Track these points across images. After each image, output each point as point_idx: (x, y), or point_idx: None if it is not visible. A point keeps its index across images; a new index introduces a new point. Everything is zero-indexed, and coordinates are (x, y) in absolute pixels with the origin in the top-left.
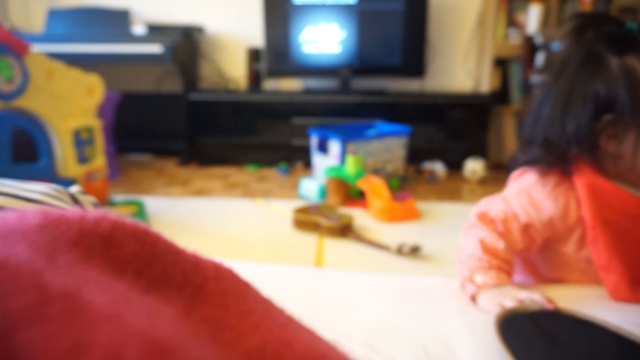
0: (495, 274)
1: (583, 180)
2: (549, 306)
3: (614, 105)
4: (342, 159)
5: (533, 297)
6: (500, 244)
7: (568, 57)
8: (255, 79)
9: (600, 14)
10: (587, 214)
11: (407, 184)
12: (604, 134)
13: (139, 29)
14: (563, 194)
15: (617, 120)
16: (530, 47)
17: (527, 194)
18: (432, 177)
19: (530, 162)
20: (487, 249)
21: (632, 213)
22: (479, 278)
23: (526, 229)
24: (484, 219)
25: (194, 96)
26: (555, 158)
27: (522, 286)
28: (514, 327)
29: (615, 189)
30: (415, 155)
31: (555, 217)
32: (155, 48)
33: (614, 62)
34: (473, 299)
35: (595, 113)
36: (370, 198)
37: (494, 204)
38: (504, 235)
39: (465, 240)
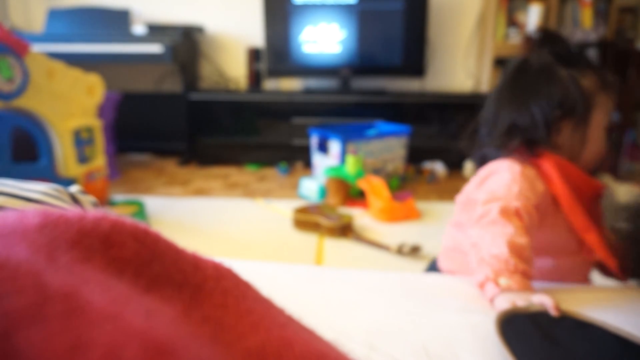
0: (519, 279)
1: (551, 161)
2: (555, 312)
3: (563, 105)
4: (342, 159)
5: (544, 301)
6: (525, 240)
7: (527, 65)
8: (255, 79)
9: (554, 34)
10: (562, 188)
11: (407, 183)
12: (555, 127)
13: (139, 29)
14: (538, 175)
15: (565, 117)
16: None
17: (521, 179)
18: (432, 177)
19: (501, 150)
20: (514, 250)
21: (583, 188)
22: (503, 281)
23: (535, 213)
24: (507, 213)
25: (194, 96)
26: (520, 145)
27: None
28: (515, 327)
29: (573, 167)
30: (416, 155)
31: (543, 196)
32: (155, 48)
33: (563, 73)
34: (491, 300)
35: (547, 110)
36: (370, 198)
37: (504, 196)
38: (530, 228)
39: (485, 237)
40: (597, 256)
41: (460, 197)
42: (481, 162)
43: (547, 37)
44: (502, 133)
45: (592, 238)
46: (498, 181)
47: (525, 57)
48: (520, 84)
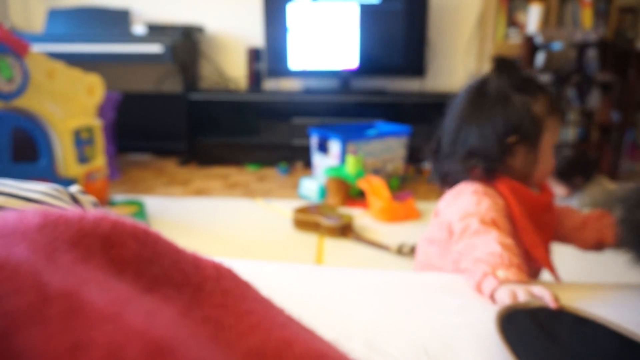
0: (516, 271)
1: (505, 185)
2: (554, 305)
3: (517, 131)
4: (342, 159)
5: (543, 293)
6: (511, 241)
7: (485, 88)
8: (255, 79)
9: (509, 63)
10: (515, 209)
11: (407, 183)
12: (509, 151)
13: (139, 29)
14: (497, 194)
15: (518, 141)
16: (531, 47)
17: (485, 197)
18: (432, 177)
19: (457, 173)
20: (505, 247)
21: (534, 205)
22: (501, 273)
23: (506, 222)
24: (486, 223)
25: (194, 96)
26: (479, 168)
27: (537, 282)
28: (515, 324)
29: (523, 188)
30: (416, 155)
31: (503, 210)
32: (155, 48)
33: (517, 99)
34: (492, 296)
35: (503, 135)
36: (371, 198)
37: (477, 212)
38: (507, 235)
39: (475, 243)
40: (544, 267)
41: (436, 214)
42: (442, 178)
43: (503, 66)
44: (462, 157)
45: (539, 253)
46: (466, 201)
47: (484, 79)
48: (478, 108)
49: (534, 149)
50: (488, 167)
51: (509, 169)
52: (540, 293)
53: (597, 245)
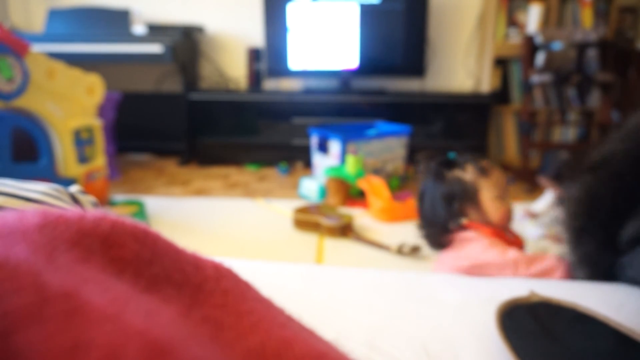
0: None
1: (486, 230)
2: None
3: (458, 197)
4: (342, 159)
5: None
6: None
7: (428, 175)
8: (255, 79)
9: (435, 152)
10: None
11: (407, 183)
12: (462, 213)
13: (139, 29)
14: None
15: (463, 204)
16: (531, 46)
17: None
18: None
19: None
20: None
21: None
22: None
23: None
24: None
25: (194, 96)
26: (449, 229)
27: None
28: (515, 320)
29: (497, 230)
30: (416, 155)
31: None
32: (155, 48)
33: (449, 175)
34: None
35: (450, 203)
36: (371, 198)
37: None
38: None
39: (481, 266)
40: None
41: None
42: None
43: (431, 156)
44: (437, 231)
45: None
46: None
47: (426, 161)
48: (429, 193)
49: (477, 206)
50: (457, 227)
51: (474, 221)
52: None
53: None
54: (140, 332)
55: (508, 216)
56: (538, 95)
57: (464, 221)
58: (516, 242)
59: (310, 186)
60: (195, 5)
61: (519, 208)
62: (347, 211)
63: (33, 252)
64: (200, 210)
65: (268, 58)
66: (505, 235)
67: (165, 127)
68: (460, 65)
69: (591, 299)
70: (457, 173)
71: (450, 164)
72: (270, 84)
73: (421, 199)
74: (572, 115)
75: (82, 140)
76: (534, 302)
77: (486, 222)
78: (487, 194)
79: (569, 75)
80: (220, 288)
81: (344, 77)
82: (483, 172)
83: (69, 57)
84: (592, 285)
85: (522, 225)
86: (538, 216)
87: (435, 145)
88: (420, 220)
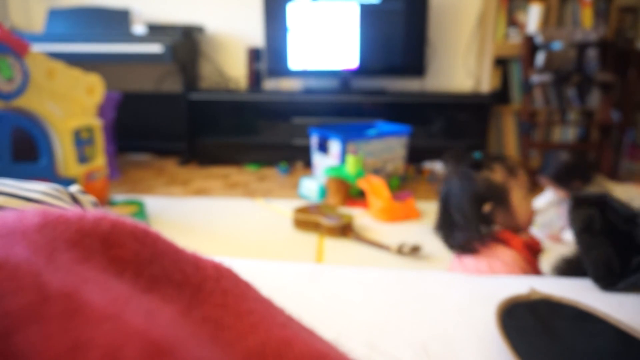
0: None
1: (517, 241)
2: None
3: (487, 199)
4: (342, 159)
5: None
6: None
7: (456, 175)
8: (255, 78)
9: (462, 152)
10: (530, 257)
11: (407, 183)
12: (492, 214)
13: (139, 29)
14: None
15: (493, 207)
16: (531, 46)
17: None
18: (432, 177)
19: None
20: None
21: (537, 248)
22: None
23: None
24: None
25: (194, 96)
26: (478, 235)
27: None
28: (515, 318)
29: (527, 239)
30: (416, 155)
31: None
32: (155, 48)
33: (478, 176)
34: None
35: (480, 205)
36: (371, 198)
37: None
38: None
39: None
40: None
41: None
42: (462, 247)
43: (458, 156)
44: (469, 235)
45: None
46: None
47: (453, 162)
48: (456, 194)
49: (507, 208)
50: (487, 234)
51: (503, 226)
52: None
53: None
54: (140, 332)
55: (532, 217)
56: (538, 95)
57: (496, 228)
58: (534, 246)
59: (310, 186)
60: (195, 5)
61: None
62: (347, 211)
63: (33, 252)
64: (200, 210)
65: (268, 58)
66: (532, 242)
67: (165, 127)
68: (460, 65)
69: (591, 296)
70: (486, 174)
71: (477, 165)
72: (270, 84)
73: (445, 200)
74: (572, 115)
75: (82, 140)
76: (535, 300)
77: (514, 226)
78: (518, 195)
79: (569, 75)
80: (220, 288)
81: (344, 77)
82: (512, 172)
83: (69, 57)
84: (592, 283)
85: None
86: (537, 214)
87: (435, 146)
88: (441, 222)
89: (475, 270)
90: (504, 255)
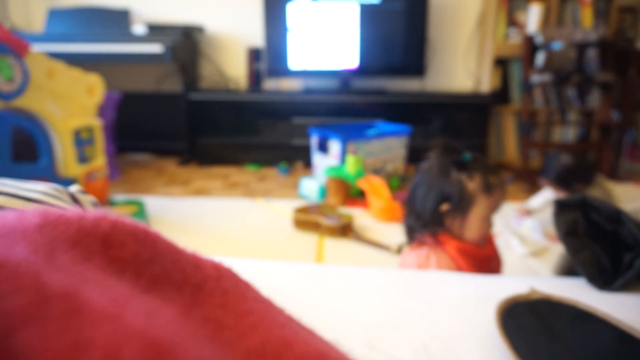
0: None
1: (452, 246)
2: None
3: (448, 200)
4: (342, 159)
5: None
6: None
7: (434, 165)
8: (255, 78)
9: (453, 146)
10: (462, 263)
11: (407, 183)
12: (446, 215)
13: (139, 29)
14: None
15: (451, 208)
16: (531, 46)
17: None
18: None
19: (412, 230)
20: None
21: (480, 257)
22: None
23: None
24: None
25: (194, 96)
26: (424, 228)
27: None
28: (515, 318)
29: (467, 246)
30: (416, 155)
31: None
32: (155, 48)
33: (454, 175)
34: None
35: (440, 202)
36: (371, 198)
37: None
38: None
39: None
40: None
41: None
42: (408, 231)
43: (447, 148)
44: (414, 216)
45: None
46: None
47: (433, 160)
48: (428, 179)
49: (462, 220)
50: (429, 231)
51: (448, 229)
52: None
53: None
54: (140, 332)
55: (483, 238)
56: (538, 95)
57: (440, 229)
58: (470, 252)
59: (310, 186)
60: (195, 5)
61: (515, 208)
62: (347, 211)
63: (33, 252)
64: (200, 210)
65: (268, 58)
66: (468, 248)
67: (165, 127)
68: (460, 65)
69: (591, 296)
70: (463, 178)
71: (461, 165)
72: (270, 84)
73: (416, 186)
74: (572, 115)
75: (82, 140)
76: (535, 300)
77: (459, 236)
78: (479, 213)
79: (569, 75)
80: (220, 288)
81: (344, 77)
82: (488, 189)
83: (69, 57)
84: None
85: (520, 224)
86: (533, 212)
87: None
88: (406, 206)
89: (407, 265)
90: (437, 255)
